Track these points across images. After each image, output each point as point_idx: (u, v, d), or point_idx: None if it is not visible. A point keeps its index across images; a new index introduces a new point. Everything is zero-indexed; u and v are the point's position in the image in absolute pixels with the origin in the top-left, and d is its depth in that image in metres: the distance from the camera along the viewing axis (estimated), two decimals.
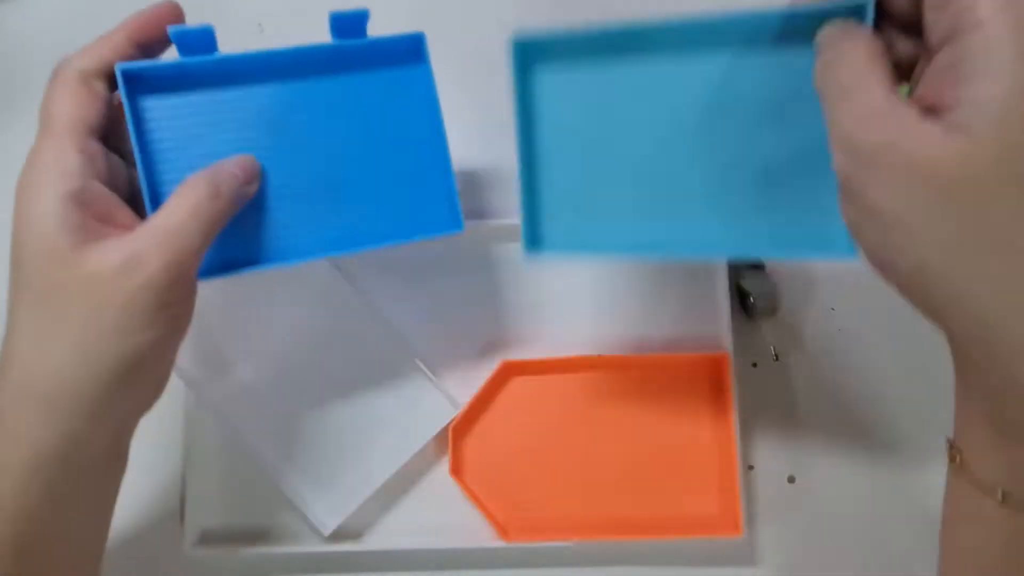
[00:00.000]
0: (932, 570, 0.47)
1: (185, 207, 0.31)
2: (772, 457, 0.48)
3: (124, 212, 0.33)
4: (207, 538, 0.47)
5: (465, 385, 0.48)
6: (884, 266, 0.27)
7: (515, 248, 0.50)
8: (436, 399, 0.47)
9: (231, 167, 0.34)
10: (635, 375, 0.48)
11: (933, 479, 0.48)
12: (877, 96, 0.25)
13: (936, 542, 0.35)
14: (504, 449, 0.47)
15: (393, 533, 0.47)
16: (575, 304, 0.49)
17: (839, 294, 0.50)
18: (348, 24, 0.36)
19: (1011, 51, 0.23)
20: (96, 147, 0.32)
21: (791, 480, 0.48)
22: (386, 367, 0.48)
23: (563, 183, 0.35)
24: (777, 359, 0.49)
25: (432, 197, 0.39)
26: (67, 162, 0.31)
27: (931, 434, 0.49)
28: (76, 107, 0.32)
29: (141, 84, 0.34)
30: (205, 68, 0.35)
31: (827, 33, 0.28)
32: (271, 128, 0.37)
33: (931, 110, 0.25)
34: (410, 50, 0.37)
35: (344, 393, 0.48)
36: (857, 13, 0.29)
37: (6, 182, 0.54)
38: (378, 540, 0.47)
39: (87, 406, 0.30)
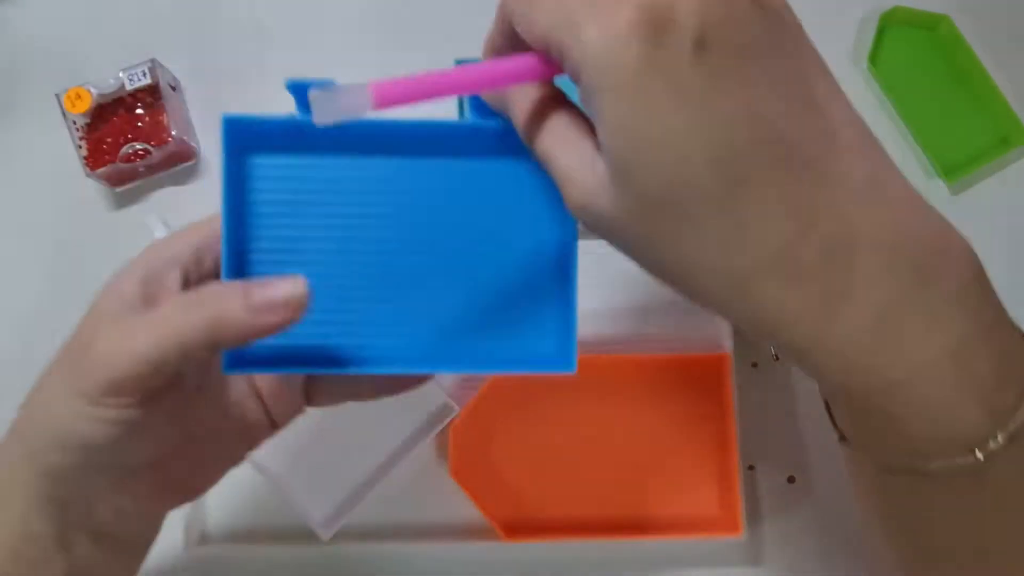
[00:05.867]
0: None
1: (159, 319, 0.27)
2: (772, 457, 0.48)
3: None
4: (207, 538, 0.47)
5: (465, 385, 0.48)
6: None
7: None
8: (436, 399, 0.47)
9: (252, 290, 0.27)
10: (635, 375, 0.48)
11: None
12: (571, 162, 0.25)
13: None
14: (504, 449, 0.47)
15: (393, 533, 0.47)
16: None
17: None
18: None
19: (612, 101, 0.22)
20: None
21: (791, 480, 0.48)
22: None
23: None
24: (777, 359, 0.49)
25: (541, 322, 0.32)
26: (178, 250, 0.30)
27: None
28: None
29: (245, 138, 0.29)
30: (320, 129, 0.28)
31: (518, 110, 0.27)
32: (378, 208, 0.30)
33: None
34: None
35: None
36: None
37: (7, 179, 0.55)
38: (378, 540, 0.47)
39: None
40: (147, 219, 0.50)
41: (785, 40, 0.24)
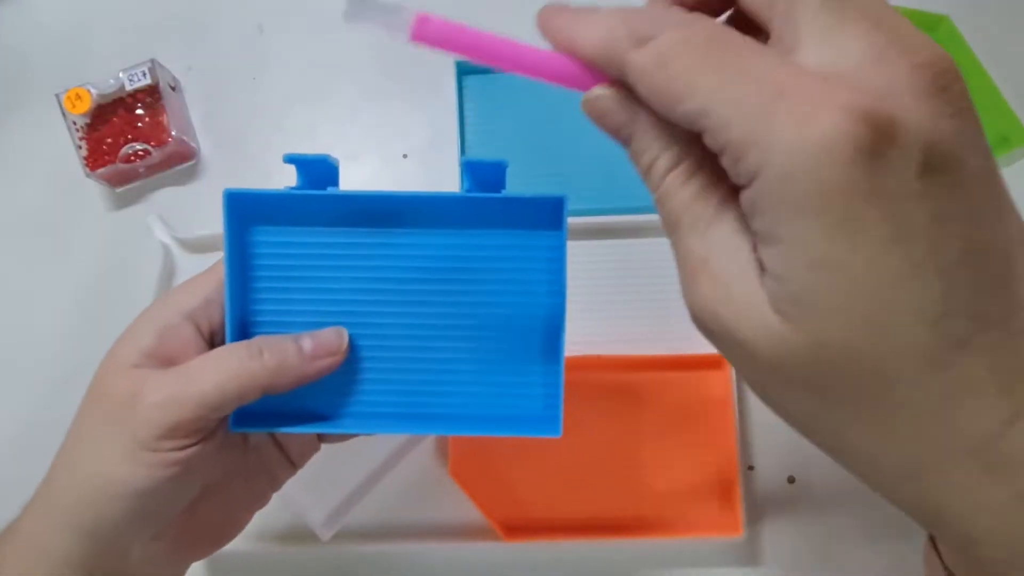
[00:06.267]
0: None
1: (221, 364, 0.29)
2: (772, 457, 0.48)
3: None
4: None
5: None
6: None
7: None
8: None
9: (303, 339, 0.30)
10: (635, 375, 0.48)
11: None
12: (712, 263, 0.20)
13: None
14: (504, 449, 0.47)
15: (393, 533, 0.47)
16: (574, 304, 0.49)
17: None
18: (485, 174, 0.30)
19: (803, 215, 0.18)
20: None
21: (791, 480, 0.48)
22: None
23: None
24: None
25: (529, 386, 0.33)
26: (189, 302, 0.31)
27: None
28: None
29: (247, 211, 0.31)
30: (320, 202, 0.31)
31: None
32: (371, 274, 0.32)
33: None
34: (547, 213, 0.31)
35: None
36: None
37: (7, 179, 0.55)
38: (378, 540, 0.47)
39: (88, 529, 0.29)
40: (147, 219, 0.50)
41: (991, 166, 0.19)
